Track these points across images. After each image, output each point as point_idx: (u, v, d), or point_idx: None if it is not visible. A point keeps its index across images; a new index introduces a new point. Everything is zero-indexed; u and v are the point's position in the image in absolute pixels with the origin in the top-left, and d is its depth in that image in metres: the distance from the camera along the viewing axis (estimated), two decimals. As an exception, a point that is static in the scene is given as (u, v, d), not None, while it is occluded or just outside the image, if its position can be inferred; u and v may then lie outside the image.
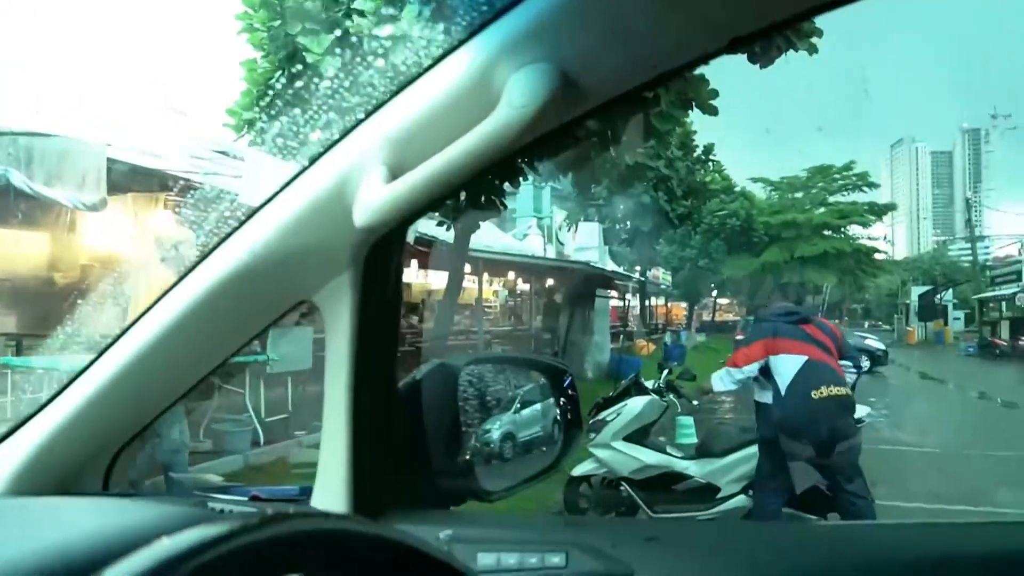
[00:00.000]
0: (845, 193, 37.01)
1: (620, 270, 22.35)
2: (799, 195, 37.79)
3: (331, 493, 0.92)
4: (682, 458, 5.22)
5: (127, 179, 6.78)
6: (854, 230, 36.34)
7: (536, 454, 1.30)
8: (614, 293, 21.45)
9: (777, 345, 4.58)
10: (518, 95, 0.68)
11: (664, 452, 5.22)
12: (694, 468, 5.11)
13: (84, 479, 1.17)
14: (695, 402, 6.59)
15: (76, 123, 7.05)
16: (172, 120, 9.61)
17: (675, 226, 23.02)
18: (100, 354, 1.07)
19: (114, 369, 1.06)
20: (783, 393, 4.47)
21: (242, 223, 0.91)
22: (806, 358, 4.49)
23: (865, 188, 37.41)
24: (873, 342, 21.43)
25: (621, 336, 20.24)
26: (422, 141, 0.76)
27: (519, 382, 1.38)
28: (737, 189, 34.20)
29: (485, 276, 15.66)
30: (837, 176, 37.28)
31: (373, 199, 0.75)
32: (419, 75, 0.78)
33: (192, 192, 8.11)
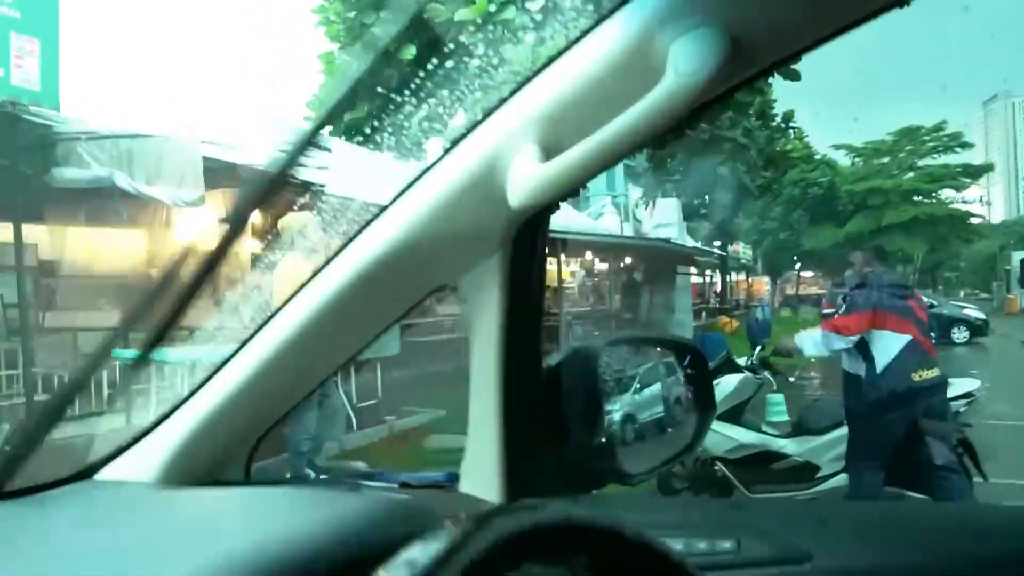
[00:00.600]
0: (936, 156, 35.20)
1: (699, 245, 21.91)
2: (885, 160, 36.16)
3: (480, 479, 0.92)
4: (778, 436, 5.11)
5: (217, 175, 7.02)
6: (947, 194, 34.59)
7: (668, 435, 1.26)
8: (694, 269, 21.08)
9: (884, 319, 4.37)
10: (685, 62, 0.64)
11: (759, 431, 5.11)
12: (791, 447, 5.00)
13: (227, 469, 1.20)
14: (791, 379, 6.40)
15: (163, 121, 7.36)
16: (255, 114, 9.88)
17: (755, 198, 22.44)
18: (242, 345, 1.09)
19: (256, 360, 1.08)
20: (879, 371, 4.31)
21: (382, 210, 0.91)
22: (910, 338, 4.33)
23: (958, 149, 35.51)
24: (972, 311, 20.50)
25: (703, 313, 19.90)
26: (577, 116, 0.73)
27: (650, 362, 1.35)
28: (818, 157, 33.01)
29: (563, 257, 15.60)
30: (927, 138, 35.47)
31: (530, 178, 0.73)
32: (568, 47, 0.75)
33: (284, 184, 8.34)
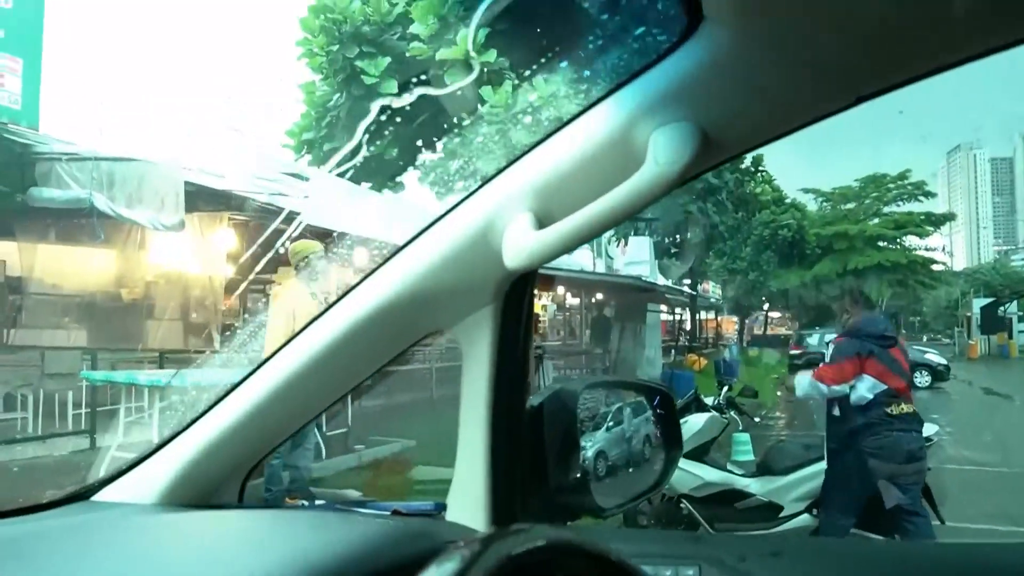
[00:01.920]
0: (900, 203, 36.12)
1: (670, 284, 22.19)
2: (851, 206, 37.01)
3: (467, 509, 1.00)
4: (743, 475, 5.18)
5: (197, 200, 7.06)
6: (910, 241, 35.43)
7: (638, 472, 1.36)
8: (664, 307, 21.32)
9: (866, 367, 4.48)
10: (663, 153, 0.75)
11: (725, 470, 5.19)
12: (756, 486, 5.05)
13: (222, 493, 1.26)
14: (756, 419, 6.51)
15: (144, 145, 7.39)
16: (234, 142, 9.93)
17: (725, 238, 22.81)
18: (246, 376, 1.16)
19: (257, 392, 1.15)
20: (856, 410, 4.44)
21: (385, 260, 1.00)
22: (887, 387, 4.44)
23: (921, 197, 36.51)
24: (934, 356, 20.84)
25: (672, 350, 20.08)
26: (567, 191, 0.83)
27: (622, 403, 1.45)
28: (788, 200, 33.74)
29: (535, 291, 15.71)
30: (891, 186, 36.41)
31: (525, 243, 0.83)
32: (562, 127, 0.86)
33: (261, 211, 8.45)
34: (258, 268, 7.37)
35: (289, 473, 4.94)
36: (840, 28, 0.68)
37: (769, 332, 38.43)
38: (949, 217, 43.51)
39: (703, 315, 30.64)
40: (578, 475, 1.16)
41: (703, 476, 5.03)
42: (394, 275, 0.98)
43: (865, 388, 4.43)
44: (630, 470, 1.36)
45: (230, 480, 1.28)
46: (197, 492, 1.22)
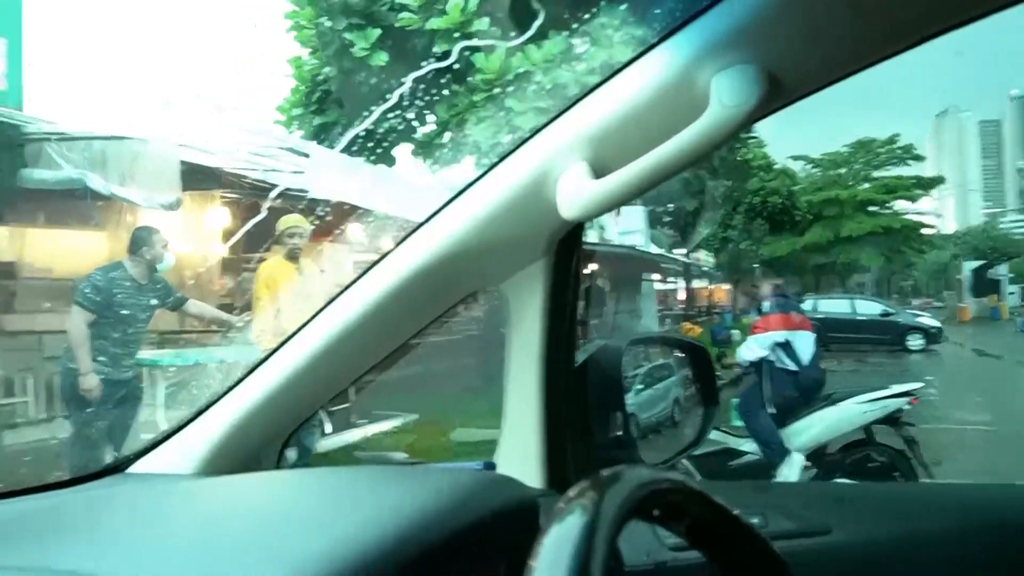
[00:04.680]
0: (889, 167, 36.12)
1: (664, 252, 22.21)
2: (842, 171, 36.99)
3: (518, 466, 0.99)
4: (737, 436, 5.36)
5: (191, 178, 6.98)
6: (900, 205, 35.51)
7: (677, 428, 1.36)
8: (658, 276, 21.36)
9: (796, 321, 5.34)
10: (729, 96, 0.73)
11: (720, 430, 5.35)
12: (748, 446, 5.28)
13: (261, 460, 1.25)
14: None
15: (133, 123, 7.30)
16: (225, 118, 9.82)
17: (717, 206, 22.78)
18: (284, 341, 1.15)
19: (298, 356, 1.13)
20: (807, 363, 5.24)
21: (431, 216, 0.98)
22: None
23: (910, 161, 36.50)
24: (926, 320, 21.06)
25: (667, 319, 20.16)
26: (624, 139, 0.81)
27: (662, 360, 1.45)
28: (777, 166, 33.67)
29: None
30: (880, 150, 36.38)
31: (582, 194, 0.81)
32: (614, 74, 0.84)
33: (255, 187, 8.39)
34: (252, 245, 7.33)
35: (296, 450, 4.96)
36: None
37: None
38: (938, 180, 43.57)
39: (696, 284, 30.70)
40: (623, 430, 1.16)
41: None
42: (439, 232, 0.96)
43: (806, 342, 5.25)
44: (670, 427, 1.37)
45: (267, 449, 1.27)
46: (235, 461, 1.21)
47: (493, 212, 0.91)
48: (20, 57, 7.73)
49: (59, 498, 1.10)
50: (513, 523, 0.73)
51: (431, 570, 0.65)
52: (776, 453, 5.04)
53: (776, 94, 0.75)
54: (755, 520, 0.87)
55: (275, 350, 1.16)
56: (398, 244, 1.02)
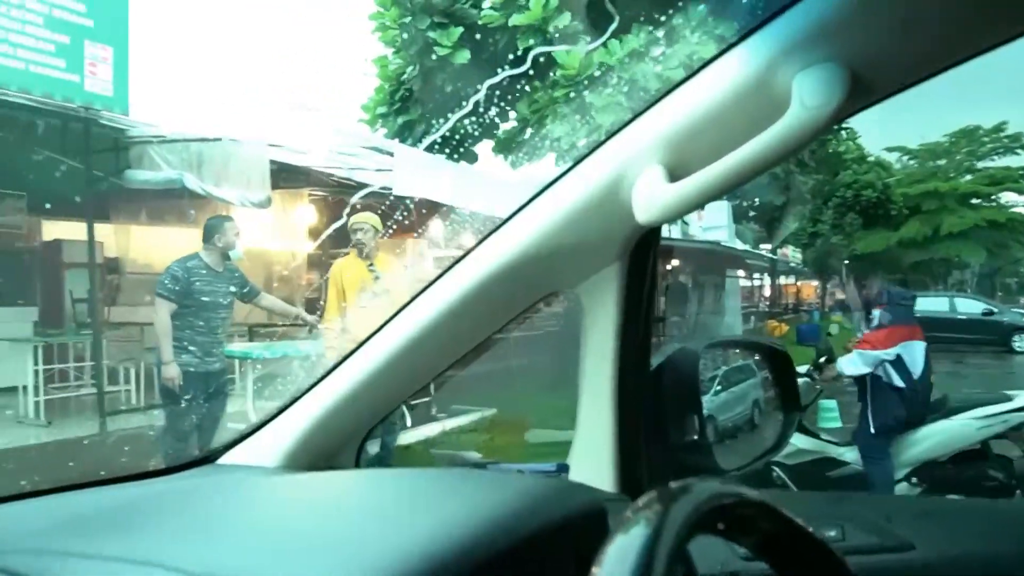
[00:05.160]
0: (995, 157, 34.05)
1: (749, 248, 21.66)
2: (942, 162, 35.09)
3: (591, 469, 0.99)
4: (837, 444, 5.08)
5: (279, 177, 7.24)
6: (1008, 198, 33.41)
7: (757, 434, 1.33)
8: (742, 272, 20.85)
9: (914, 333, 4.89)
10: (811, 96, 0.70)
11: (818, 437, 5.09)
12: (850, 455, 4.97)
13: (340, 457, 1.29)
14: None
15: (226, 125, 7.61)
16: (311, 118, 10.12)
17: (806, 201, 22.05)
18: (365, 341, 1.18)
19: (380, 354, 1.16)
20: (917, 379, 4.82)
21: (507, 219, 0.98)
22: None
23: (1019, 151, 34.29)
24: (1036, 320, 19.80)
25: (752, 317, 19.67)
26: (702, 141, 0.80)
27: (740, 363, 1.42)
28: (871, 159, 32.24)
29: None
30: (985, 139, 34.31)
31: (657, 198, 0.80)
32: (692, 75, 0.82)
33: (341, 185, 8.65)
34: (337, 242, 7.53)
35: (377, 444, 5.07)
36: None
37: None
38: (1051, 170, 40.78)
39: (782, 280, 29.80)
40: (698, 435, 1.14)
41: (796, 443, 4.92)
42: (516, 234, 0.96)
43: (916, 354, 4.82)
44: (750, 431, 1.34)
45: (348, 444, 1.31)
46: (318, 455, 1.25)
47: (569, 216, 0.91)
48: (127, 64, 8.15)
49: (154, 487, 1.15)
50: (582, 529, 0.73)
51: (502, 573, 0.66)
52: (880, 466, 4.75)
53: (861, 93, 0.72)
54: (832, 533, 0.84)
55: (358, 347, 1.19)
56: (476, 245, 1.03)
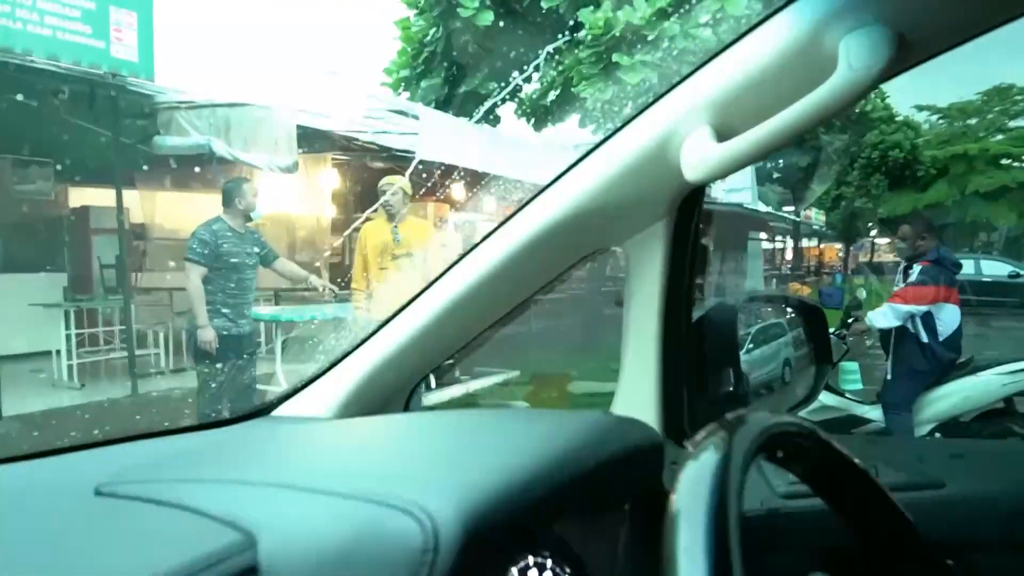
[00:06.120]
0: (1030, 117, 33.15)
1: (771, 211, 21.44)
2: (972, 122, 34.25)
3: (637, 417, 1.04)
4: (862, 402, 5.15)
5: (303, 141, 7.28)
6: (1040, 158, 32.59)
7: (790, 384, 1.38)
8: (765, 235, 20.68)
9: (950, 296, 4.91)
10: (857, 58, 0.73)
11: (843, 396, 5.17)
12: (873, 413, 5.05)
13: (390, 408, 1.35)
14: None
15: (252, 90, 7.64)
16: (334, 82, 10.10)
17: (831, 162, 21.73)
18: (416, 296, 1.23)
19: (427, 311, 1.21)
20: (943, 339, 4.88)
21: (557, 178, 1.02)
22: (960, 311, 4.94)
23: (1055, 110, 33.36)
24: (1062, 281, 19.53)
25: (774, 280, 19.56)
26: (749, 102, 0.83)
27: (776, 318, 1.46)
28: (900, 118, 31.56)
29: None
30: (1019, 97, 33.41)
31: (707, 157, 0.84)
32: (740, 38, 0.85)
33: (365, 149, 8.66)
34: (362, 206, 7.57)
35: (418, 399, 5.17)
36: None
37: (875, 259, 36.65)
38: (1086, 129, 39.68)
39: (805, 243, 29.51)
40: (737, 386, 1.20)
41: (822, 399, 5.00)
42: (566, 192, 1.00)
43: (949, 317, 4.85)
44: (780, 387, 1.39)
45: (397, 396, 1.37)
46: (367, 407, 1.30)
47: (619, 173, 0.95)
48: (151, 29, 8.17)
49: (214, 436, 1.22)
50: (640, 462, 0.78)
51: (561, 506, 0.70)
52: (901, 418, 4.85)
53: (906, 55, 0.75)
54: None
55: (406, 305, 1.25)
56: (526, 203, 1.07)
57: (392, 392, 1.34)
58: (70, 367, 7.77)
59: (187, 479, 0.75)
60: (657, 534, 0.46)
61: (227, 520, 0.60)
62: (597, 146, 0.99)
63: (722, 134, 0.85)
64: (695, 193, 0.98)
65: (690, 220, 1.00)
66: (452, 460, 0.72)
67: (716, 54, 0.87)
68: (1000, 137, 32.59)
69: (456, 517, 0.54)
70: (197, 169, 7.68)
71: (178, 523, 0.63)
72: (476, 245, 1.14)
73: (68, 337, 7.83)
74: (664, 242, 0.98)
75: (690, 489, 0.47)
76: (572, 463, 0.69)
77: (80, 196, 10.17)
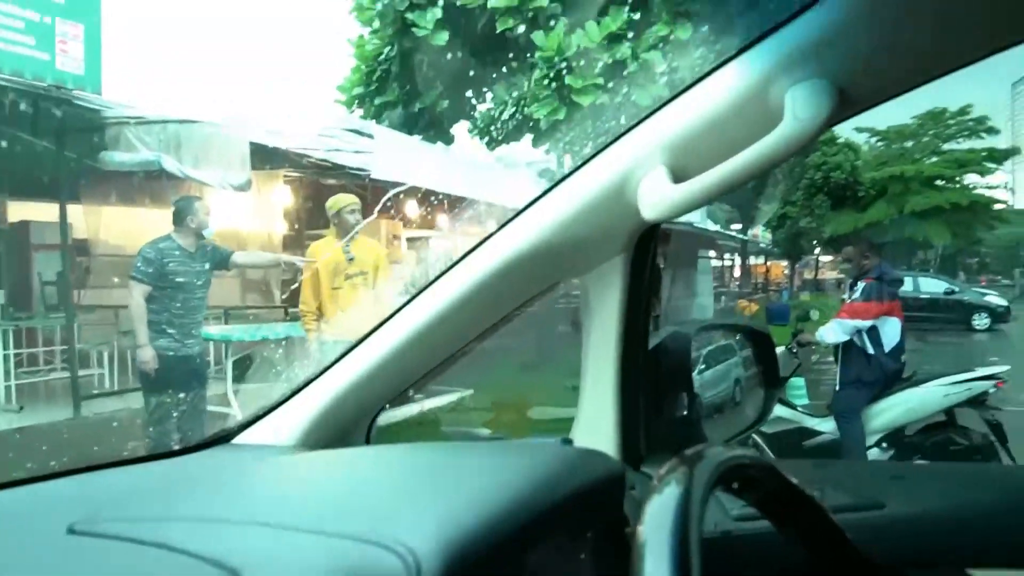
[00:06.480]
0: (960, 140, 34.66)
1: (720, 229, 21.92)
2: (908, 144, 35.62)
3: (596, 444, 1.08)
4: (811, 415, 5.33)
5: (256, 158, 7.19)
6: (970, 179, 34.06)
7: (739, 407, 1.43)
8: (714, 253, 21.11)
9: (893, 310, 5.22)
10: (802, 109, 0.78)
11: (796, 409, 5.34)
12: (825, 425, 5.26)
13: (351, 436, 1.35)
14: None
15: (203, 106, 7.54)
16: (290, 98, 10.03)
17: (776, 182, 22.32)
18: (380, 324, 1.25)
19: (389, 339, 1.22)
20: (888, 351, 5.18)
21: (520, 211, 1.06)
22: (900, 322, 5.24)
23: (983, 133, 34.93)
24: (994, 298, 20.42)
25: (723, 297, 19.96)
26: (703, 146, 0.88)
27: (725, 343, 1.52)
28: (840, 141, 32.67)
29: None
30: (951, 122, 34.88)
31: (662, 196, 0.89)
32: (693, 84, 0.90)
33: (318, 167, 8.59)
34: (315, 223, 7.50)
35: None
36: None
37: (819, 276, 37.74)
38: (1013, 152, 41.51)
39: (752, 260, 30.20)
40: (691, 410, 1.25)
41: (775, 411, 5.14)
42: (529, 226, 1.04)
43: (893, 329, 5.18)
44: (732, 407, 1.44)
45: (359, 424, 1.37)
46: (330, 435, 1.30)
47: (580, 210, 0.99)
48: (99, 42, 8.00)
49: (180, 465, 1.20)
50: (604, 493, 0.82)
51: (531, 538, 0.72)
52: (851, 426, 5.08)
53: (847, 106, 0.81)
54: (813, 494, 0.94)
55: (369, 333, 1.26)
56: (490, 236, 1.10)
57: (354, 420, 1.34)
58: (7, 388, 7.51)
59: (166, 517, 0.75)
60: (619, 561, 0.50)
61: (212, 560, 0.61)
62: (559, 182, 1.03)
63: (677, 175, 0.90)
64: (652, 229, 1.03)
65: (647, 254, 1.05)
66: (425, 496, 0.74)
67: (672, 98, 0.92)
68: (935, 159, 33.97)
69: (437, 552, 0.57)
70: (147, 185, 7.53)
71: (163, 563, 0.64)
72: (440, 275, 1.17)
73: (6, 357, 7.57)
74: (622, 275, 1.03)
75: (655, 521, 0.50)
76: (542, 496, 0.72)
77: (20, 211, 9.87)
